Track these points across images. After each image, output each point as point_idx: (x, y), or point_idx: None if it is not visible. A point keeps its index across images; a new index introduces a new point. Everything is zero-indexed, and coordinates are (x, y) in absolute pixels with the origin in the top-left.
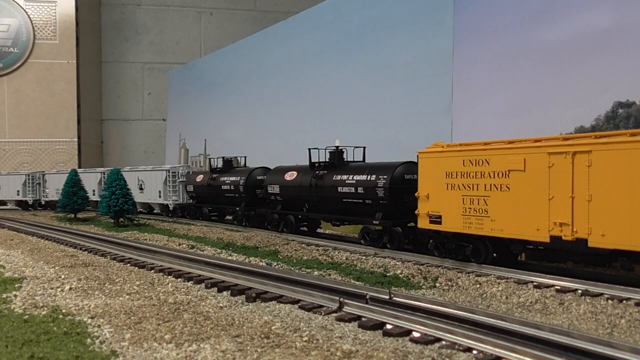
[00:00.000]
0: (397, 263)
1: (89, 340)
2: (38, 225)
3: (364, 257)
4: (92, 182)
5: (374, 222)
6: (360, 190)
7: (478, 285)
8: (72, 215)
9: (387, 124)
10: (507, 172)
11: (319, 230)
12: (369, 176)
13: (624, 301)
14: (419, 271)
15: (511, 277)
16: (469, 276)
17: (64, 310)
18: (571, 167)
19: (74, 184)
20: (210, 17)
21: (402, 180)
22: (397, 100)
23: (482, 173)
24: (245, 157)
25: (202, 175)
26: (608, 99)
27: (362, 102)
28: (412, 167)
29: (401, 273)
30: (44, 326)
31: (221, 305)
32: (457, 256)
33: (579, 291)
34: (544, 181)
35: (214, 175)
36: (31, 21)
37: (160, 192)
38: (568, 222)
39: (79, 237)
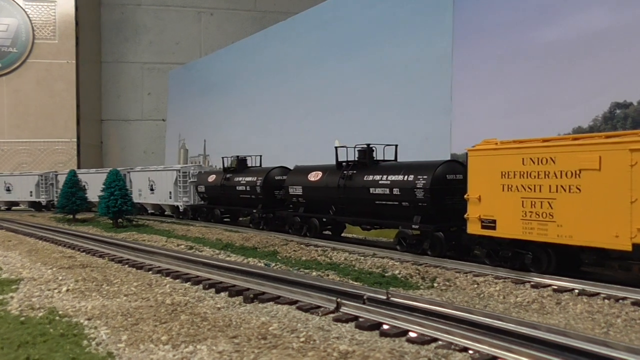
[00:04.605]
0: (396, 263)
1: (85, 342)
2: (36, 226)
3: (362, 258)
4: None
5: (413, 226)
6: (395, 191)
7: (476, 285)
8: (71, 216)
9: (387, 124)
10: (577, 172)
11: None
12: (405, 176)
13: (620, 301)
14: (417, 271)
15: (509, 277)
16: (466, 276)
17: (60, 312)
18: None
19: (72, 184)
20: (210, 18)
21: (443, 181)
22: (396, 101)
23: (547, 173)
24: (260, 156)
25: (214, 175)
26: (605, 99)
27: (362, 102)
28: (454, 166)
29: (399, 273)
30: (41, 328)
31: (219, 306)
32: (513, 265)
33: (576, 291)
34: (624, 182)
35: (228, 175)
36: (30, 21)
37: (170, 192)
38: None
39: (77, 238)
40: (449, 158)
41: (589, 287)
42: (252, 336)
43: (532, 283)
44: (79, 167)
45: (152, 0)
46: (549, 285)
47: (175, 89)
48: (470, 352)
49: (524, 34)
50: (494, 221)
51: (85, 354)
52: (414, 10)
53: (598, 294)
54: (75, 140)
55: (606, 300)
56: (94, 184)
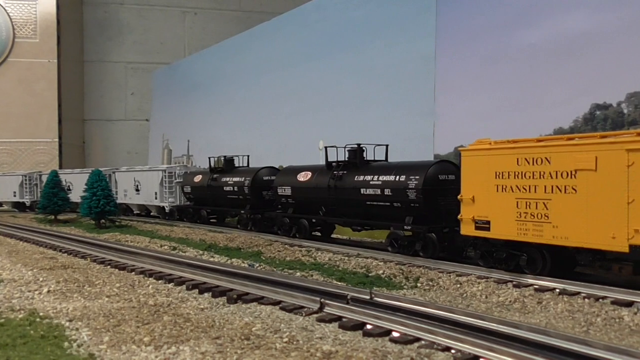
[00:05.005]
0: (380, 263)
1: (66, 343)
2: (17, 227)
3: (346, 258)
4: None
5: (406, 227)
6: (387, 192)
7: (458, 285)
8: (52, 217)
9: (371, 125)
10: (573, 172)
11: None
12: (397, 177)
13: (600, 300)
14: (401, 271)
15: (491, 277)
16: (449, 276)
17: (41, 314)
18: None
19: (54, 184)
20: (195, 17)
21: (436, 181)
22: (380, 102)
23: (542, 173)
24: (248, 156)
25: (200, 176)
26: (586, 101)
27: (346, 103)
28: (446, 166)
29: (383, 273)
30: (21, 330)
31: (202, 307)
32: (507, 266)
33: (557, 290)
34: (621, 182)
35: (215, 176)
36: (11, 19)
37: (156, 193)
38: None
39: (59, 239)
40: (432, 158)
41: (570, 287)
42: (235, 337)
43: (514, 283)
44: (60, 168)
45: None
46: (531, 285)
47: (159, 89)
48: (453, 351)
49: (506, 36)
50: (488, 222)
51: (67, 355)
52: (398, 13)
53: (578, 293)
54: (57, 140)
55: (586, 300)
56: (79, 185)
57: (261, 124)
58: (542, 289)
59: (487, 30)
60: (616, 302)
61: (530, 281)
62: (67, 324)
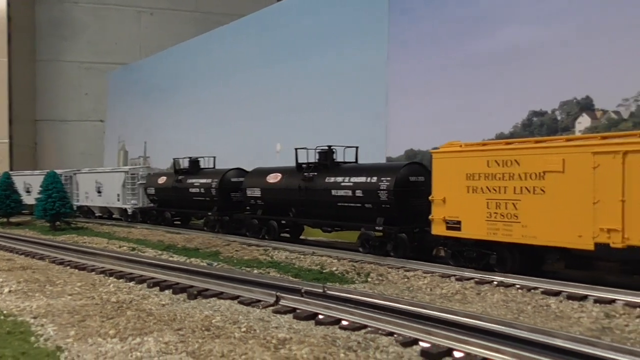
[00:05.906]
0: (334, 261)
1: (33, 338)
2: None
3: (302, 256)
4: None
5: (377, 227)
6: (358, 193)
7: (406, 279)
8: (5, 219)
9: (326, 128)
10: (541, 174)
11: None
12: (368, 178)
13: (532, 290)
14: (353, 267)
15: (436, 272)
16: (398, 271)
17: (5, 312)
18: (621, 168)
19: (6, 187)
20: (151, 17)
21: (407, 183)
22: (336, 106)
23: (511, 175)
24: (214, 157)
25: (165, 177)
26: (524, 108)
27: (303, 106)
28: (416, 168)
29: (336, 270)
30: None
31: (163, 303)
32: (478, 265)
33: (495, 282)
34: (587, 183)
35: (180, 177)
36: None
37: (118, 195)
38: (618, 228)
39: (14, 240)
40: (384, 161)
41: (507, 279)
42: (197, 328)
43: (456, 277)
44: (11, 169)
45: None
46: (472, 279)
47: (115, 90)
48: (395, 335)
49: (453, 46)
50: (459, 222)
51: (34, 348)
52: (353, 20)
53: (514, 285)
54: (7, 141)
55: (520, 290)
56: (39, 186)
57: (220, 126)
58: (481, 282)
59: (436, 39)
60: (546, 292)
61: (472, 275)
62: (32, 320)
